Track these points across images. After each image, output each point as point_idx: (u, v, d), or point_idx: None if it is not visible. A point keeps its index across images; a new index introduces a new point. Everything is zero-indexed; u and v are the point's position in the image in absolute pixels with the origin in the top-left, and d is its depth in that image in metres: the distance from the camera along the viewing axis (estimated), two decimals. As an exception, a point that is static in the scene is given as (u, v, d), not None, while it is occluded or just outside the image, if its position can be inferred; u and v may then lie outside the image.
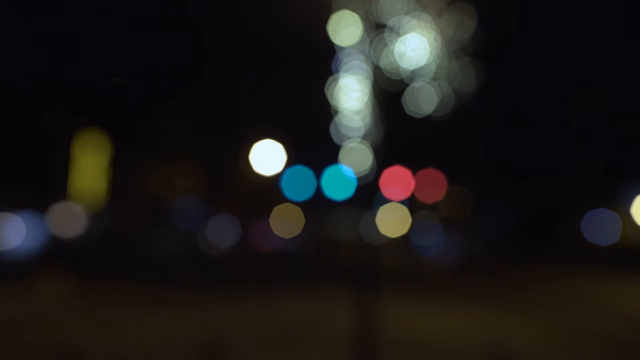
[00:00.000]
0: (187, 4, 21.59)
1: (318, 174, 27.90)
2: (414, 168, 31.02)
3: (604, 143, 30.87)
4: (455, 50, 12.87)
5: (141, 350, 11.10)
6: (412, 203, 34.07)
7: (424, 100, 13.31)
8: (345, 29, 11.55)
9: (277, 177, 28.79)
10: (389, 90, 12.05)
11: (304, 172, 29.54)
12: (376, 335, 9.77)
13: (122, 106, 25.30)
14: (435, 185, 34.76)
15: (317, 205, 32.04)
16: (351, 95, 12.44)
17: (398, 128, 14.67)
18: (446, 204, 36.82)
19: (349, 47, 11.69)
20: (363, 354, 9.62)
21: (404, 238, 34.60)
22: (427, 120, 14.60)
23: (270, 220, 35.21)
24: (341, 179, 24.19)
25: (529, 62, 27.07)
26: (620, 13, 24.24)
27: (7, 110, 22.57)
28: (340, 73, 12.39)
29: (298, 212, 35.58)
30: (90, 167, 27.43)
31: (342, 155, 16.38)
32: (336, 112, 13.09)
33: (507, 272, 27.01)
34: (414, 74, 12.31)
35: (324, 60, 12.86)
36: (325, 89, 13.06)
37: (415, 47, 11.82)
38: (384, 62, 11.56)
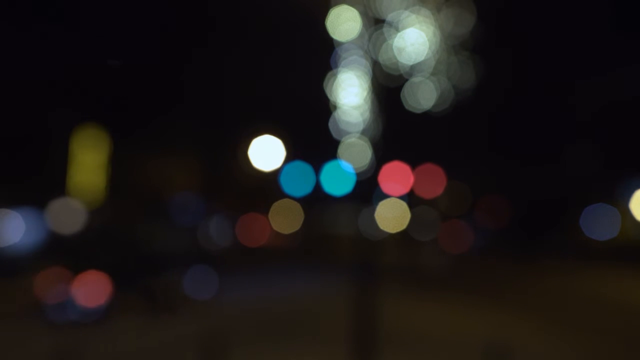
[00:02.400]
0: (187, 8, 21.58)
1: (317, 169, 27.88)
2: (413, 163, 30.99)
3: (603, 137, 30.86)
4: (455, 45, 12.84)
5: (138, 344, 11.10)
6: (411, 198, 34.05)
7: (423, 96, 13.29)
8: (344, 24, 11.53)
9: (276, 173, 28.77)
10: (388, 86, 12.03)
11: (303, 167, 29.53)
12: (375, 330, 9.77)
13: (120, 102, 25.27)
14: (434, 181, 34.74)
15: (316, 201, 32.02)
16: (350, 90, 12.42)
17: (397, 123, 14.66)
18: (445, 199, 36.80)
19: (347, 42, 11.67)
20: (361, 347, 9.62)
21: (403, 233, 34.59)
22: (426, 115, 14.60)
23: (269, 215, 35.18)
24: (340, 175, 24.17)
25: (528, 56, 27.05)
26: (624, 5, 24.21)
27: (5, 106, 22.53)
28: (339, 68, 12.37)
29: (297, 208, 35.55)
30: (89, 163, 27.39)
31: (341, 150, 16.36)
32: (335, 107, 13.07)
33: (506, 267, 27.03)
34: (413, 69, 12.29)
35: (323, 55, 12.84)
36: (324, 84, 13.04)
37: (414, 42, 11.79)
38: (382, 57, 11.54)
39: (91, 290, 14.43)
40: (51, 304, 14.06)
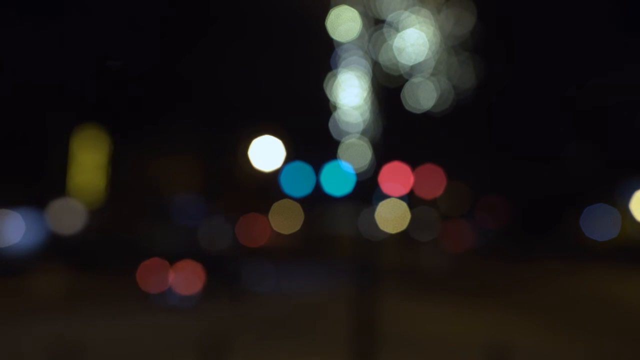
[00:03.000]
0: (187, 8, 21.59)
1: (317, 169, 27.88)
2: (413, 163, 30.98)
3: (603, 137, 30.87)
4: (455, 46, 12.85)
5: (140, 345, 11.10)
6: (411, 199, 34.04)
7: (423, 96, 13.30)
8: (344, 24, 11.55)
9: (276, 173, 28.77)
10: (388, 86, 12.04)
11: (303, 168, 29.52)
12: (374, 330, 9.78)
13: (120, 102, 25.28)
14: (434, 181, 34.73)
15: (317, 201, 32.01)
16: (350, 90, 12.43)
17: (397, 124, 14.66)
18: (445, 200, 36.80)
19: (347, 42, 11.68)
20: (361, 348, 9.62)
21: (404, 233, 34.59)
22: (426, 115, 14.60)
23: (270, 216, 35.18)
24: (340, 175, 24.17)
25: (528, 56, 27.05)
26: (625, 5, 24.18)
27: (6, 107, 22.53)
28: (339, 69, 12.38)
29: (297, 208, 35.54)
30: (89, 163, 27.40)
31: (341, 151, 16.38)
32: (335, 107, 13.08)
33: (506, 268, 27.02)
34: (413, 69, 12.30)
35: (323, 55, 12.85)
36: (324, 85, 13.05)
37: (414, 42, 11.81)
38: (383, 58, 11.55)
39: (188, 279, 16.70)
40: (154, 292, 16.31)
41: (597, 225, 34.33)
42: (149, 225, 26.00)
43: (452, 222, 36.66)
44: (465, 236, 35.91)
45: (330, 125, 13.76)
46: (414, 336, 12.12)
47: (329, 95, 12.96)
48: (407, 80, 12.68)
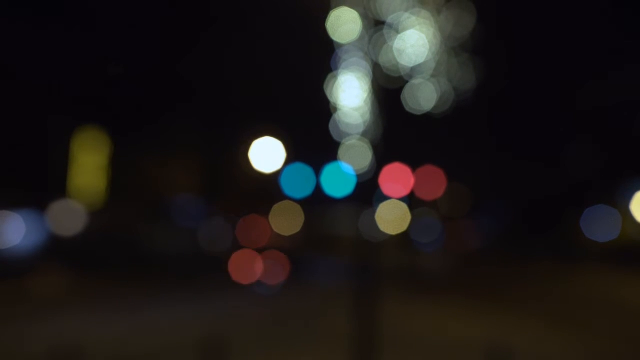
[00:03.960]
0: (187, 10, 21.62)
1: (318, 171, 27.89)
2: (414, 165, 30.99)
3: (603, 138, 30.87)
4: (455, 47, 12.86)
5: (142, 347, 11.11)
6: (411, 200, 34.04)
7: (424, 97, 13.31)
8: (344, 25, 11.56)
9: (276, 175, 28.78)
10: (388, 87, 12.05)
11: (303, 169, 29.52)
12: (374, 332, 9.78)
13: (121, 104, 25.30)
14: (435, 183, 34.73)
15: (317, 203, 32.01)
16: (350, 92, 12.44)
17: (397, 125, 14.67)
18: (446, 201, 36.80)
19: (348, 44, 11.69)
20: (362, 350, 9.62)
21: (404, 235, 34.58)
22: (427, 117, 14.61)
23: (270, 217, 35.16)
24: (341, 176, 24.18)
25: (528, 57, 27.06)
26: (626, 7, 24.19)
27: (6, 109, 22.55)
28: (340, 70, 12.39)
29: (298, 210, 35.53)
30: (89, 165, 27.41)
31: (342, 152, 16.39)
32: (335, 109, 13.09)
33: (507, 269, 27.01)
34: (413, 70, 12.32)
35: (323, 57, 12.86)
36: (325, 86, 13.05)
37: (415, 43, 11.82)
38: (383, 59, 11.56)
39: (275, 270, 19.04)
40: (245, 283, 18.32)
41: (598, 226, 34.31)
42: (149, 226, 26.01)
43: (452, 223, 36.65)
44: (466, 238, 35.90)
45: (331, 126, 13.77)
46: (414, 337, 12.12)
47: (329, 97, 12.97)
48: (407, 82, 12.70)
